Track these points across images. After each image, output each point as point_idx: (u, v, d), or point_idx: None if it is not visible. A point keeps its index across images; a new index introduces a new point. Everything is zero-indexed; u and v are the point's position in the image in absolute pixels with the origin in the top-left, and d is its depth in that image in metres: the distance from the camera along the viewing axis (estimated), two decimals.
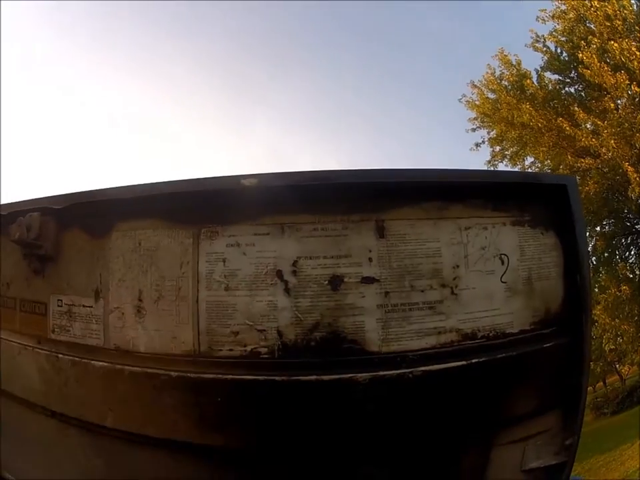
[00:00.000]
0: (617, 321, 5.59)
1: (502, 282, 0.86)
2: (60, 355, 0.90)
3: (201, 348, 0.79)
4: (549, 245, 0.91)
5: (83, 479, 0.94)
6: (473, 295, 0.83)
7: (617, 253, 7.01)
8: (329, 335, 0.77)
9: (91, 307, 0.88)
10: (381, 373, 0.76)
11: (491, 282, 0.85)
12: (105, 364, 0.84)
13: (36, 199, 0.96)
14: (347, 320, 0.77)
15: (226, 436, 0.77)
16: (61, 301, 0.92)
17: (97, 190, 0.89)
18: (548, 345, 0.88)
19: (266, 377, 0.75)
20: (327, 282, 0.78)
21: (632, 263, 7.09)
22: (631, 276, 6.67)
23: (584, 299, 0.91)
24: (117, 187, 0.88)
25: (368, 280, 0.78)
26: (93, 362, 0.86)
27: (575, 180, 0.96)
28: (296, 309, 0.77)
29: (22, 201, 0.98)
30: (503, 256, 0.86)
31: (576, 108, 6.18)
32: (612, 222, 6.74)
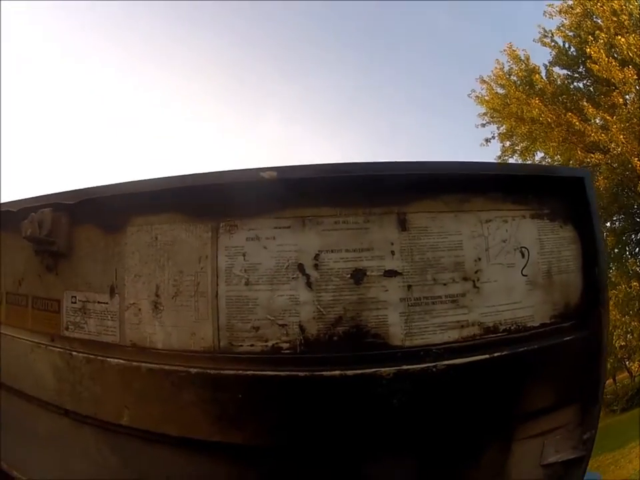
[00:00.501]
0: (627, 317, 5.61)
1: (523, 275, 0.85)
2: (74, 353, 0.88)
3: (220, 344, 0.78)
4: (568, 238, 0.90)
5: (97, 478, 0.93)
6: (495, 288, 0.82)
7: (627, 249, 7.04)
8: (351, 329, 0.76)
9: (106, 303, 0.86)
10: (405, 367, 0.75)
11: (512, 275, 0.84)
12: (121, 361, 0.83)
13: (47, 195, 0.95)
14: (370, 314, 0.76)
15: (247, 433, 0.76)
16: (75, 297, 0.90)
17: (110, 185, 0.87)
18: (568, 338, 0.88)
19: (288, 373, 0.74)
20: (349, 275, 0.77)
21: None
22: None
23: (602, 292, 0.91)
24: (131, 181, 0.86)
25: (390, 273, 0.77)
26: (108, 359, 0.84)
27: (591, 172, 0.96)
28: (318, 303, 0.76)
29: (33, 197, 0.97)
30: (523, 249, 0.85)
31: (585, 103, 6.19)
32: (622, 218, 6.76)
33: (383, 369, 0.74)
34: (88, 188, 0.90)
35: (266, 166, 0.79)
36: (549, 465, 0.92)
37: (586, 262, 0.91)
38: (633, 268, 6.48)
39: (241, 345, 0.77)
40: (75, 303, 0.90)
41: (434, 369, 0.76)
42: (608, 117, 5.78)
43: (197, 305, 0.79)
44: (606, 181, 5.98)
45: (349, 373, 0.73)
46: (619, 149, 5.63)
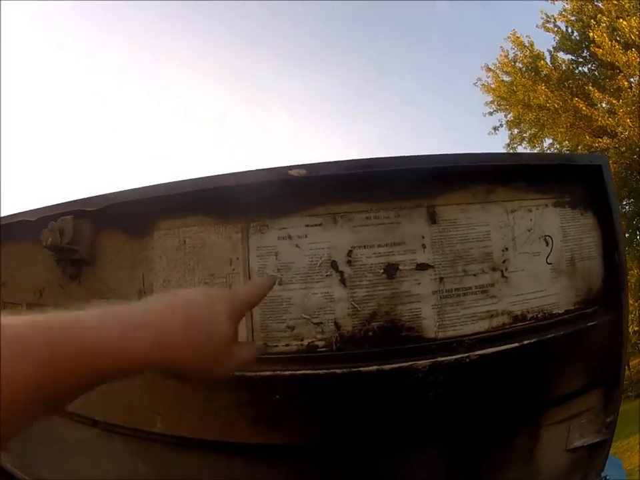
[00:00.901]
0: (639, 302, 5.72)
1: (547, 263, 0.87)
2: None
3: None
4: (589, 225, 0.92)
5: None
6: (522, 277, 0.84)
7: (638, 233, 7.15)
8: (386, 323, 0.77)
9: None
10: (439, 359, 0.75)
11: (537, 263, 0.86)
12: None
13: (67, 202, 0.93)
14: (404, 308, 0.77)
15: (285, 434, 0.76)
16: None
17: (133, 189, 0.86)
18: (591, 323, 0.90)
19: (325, 371, 0.74)
20: (382, 270, 0.77)
21: None
22: None
23: (622, 277, 0.93)
24: (155, 185, 0.85)
25: (422, 266, 0.78)
26: None
27: (606, 158, 0.98)
28: (352, 299, 0.76)
29: (51, 205, 0.94)
30: (547, 237, 0.87)
31: (590, 87, 6.29)
32: (631, 202, 6.88)
33: (418, 362, 0.74)
34: (110, 193, 0.88)
35: (291, 164, 0.79)
36: (575, 449, 0.94)
37: (606, 248, 0.93)
38: None
39: (276, 345, 0.77)
40: None
41: (467, 360, 0.77)
42: (614, 101, 5.89)
43: None
44: (615, 165, 6.08)
45: (386, 367, 0.74)
46: (626, 133, 5.74)
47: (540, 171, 0.89)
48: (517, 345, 0.80)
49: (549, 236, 0.88)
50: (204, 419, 0.79)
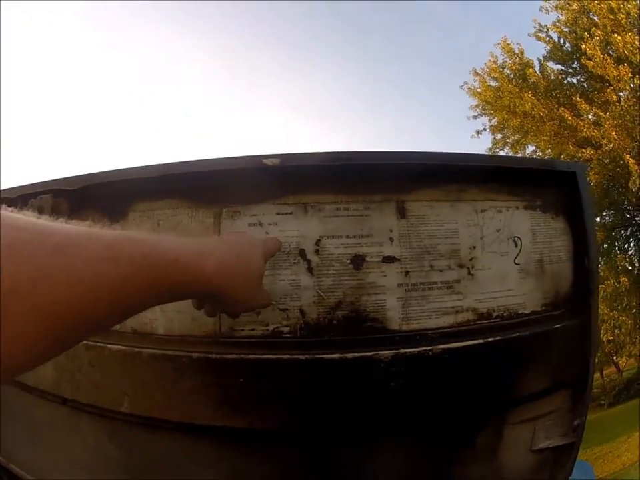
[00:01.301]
0: (615, 312, 5.74)
1: (515, 264, 0.88)
2: None
3: (222, 328, 0.79)
4: (559, 230, 0.94)
5: (96, 466, 0.93)
6: (489, 275, 0.85)
7: (617, 244, 7.21)
8: (351, 313, 0.78)
9: None
10: (402, 350, 0.77)
11: (505, 263, 0.87)
12: (122, 347, 0.83)
13: (47, 181, 0.94)
14: (369, 298, 0.78)
15: (249, 417, 0.77)
16: None
17: (112, 170, 0.88)
18: (558, 325, 0.91)
19: (289, 356, 0.75)
20: (349, 261, 0.79)
21: (631, 255, 7.25)
22: (630, 268, 6.85)
23: (592, 282, 0.94)
24: (133, 167, 0.87)
25: (389, 259, 0.80)
26: (108, 346, 0.84)
27: (585, 167, 0.99)
28: (318, 287, 0.78)
29: (32, 184, 0.96)
30: (516, 238, 0.89)
31: (578, 98, 6.32)
32: (612, 213, 6.93)
33: (381, 352, 0.76)
34: (89, 174, 0.90)
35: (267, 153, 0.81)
36: (540, 450, 0.95)
37: (577, 253, 0.94)
38: (622, 263, 6.63)
39: (242, 330, 0.78)
40: None
41: (430, 353, 0.78)
42: (601, 113, 5.93)
43: None
44: (597, 176, 6.11)
45: (349, 355, 0.75)
46: (611, 145, 5.78)
47: (513, 173, 0.91)
48: (481, 341, 0.82)
49: (518, 237, 0.89)
50: (170, 400, 0.80)
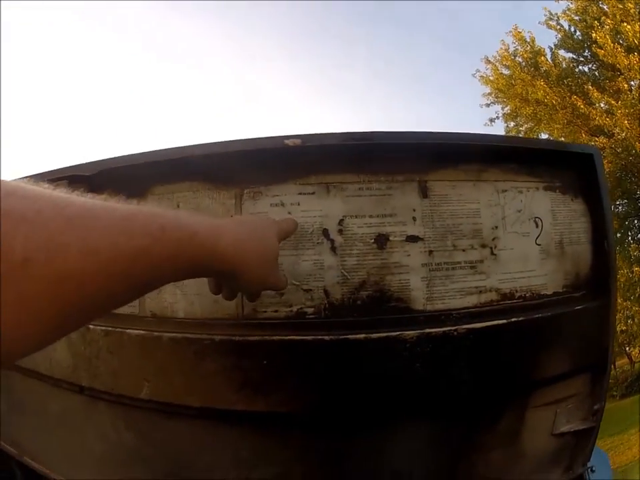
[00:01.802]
0: (628, 302, 5.75)
1: (537, 244, 0.88)
2: (91, 326, 0.87)
3: (244, 310, 0.78)
4: (578, 211, 0.94)
5: (113, 457, 0.91)
6: (511, 255, 0.85)
7: (630, 234, 7.21)
8: (375, 293, 0.77)
9: None
10: (427, 330, 0.76)
11: (526, 244, 0.87)
12: (141, 332, 0.82)
13: (63, 168, 0.93)
14: (393, 278, 0.78)
15: (271, 401, 0.76)
16: None
17: (129, 155, 0.87)
18: (579, 307, 0.91)
19: (313, 337, 0.74)
20: (372, 240, 0.78)
21: None
22: None
23: (611, 264, 0.94)
24: (151, 151, 0.86)
25: (412, 238, 0.79)
26: (127, 331, 0.83)
27: (599, 151, 0.99)
28: (342, 267, 0.77)
29: (47, 171, 0.95)
30: (537, 219, 0.88)
31: (590, 87, 6.33)
32: (625, 202, 6.92)
33: (406, 332, 0.75)
34: (106, 159, 0.89)
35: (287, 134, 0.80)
36: (561, 434, 0.94)
37: (595, 235, 0.94)
38: (635, 253, 6.64)
39: (265, 311, 0.77)
40: None
41: (455, 333, 0.77)
42: (613, 102, 5.95)
43: None
44: (610, 164, 6.12)
45: (374, 336, 0.74)
46: (624, 134, 5.80)
47: (532, 154, 0.91)
48: (504, 321, 0.81)
49: (539, 218, 0.89)
50: (190, 385, 0.78)
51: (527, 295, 0.85)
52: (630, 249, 6.68)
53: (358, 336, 0.74)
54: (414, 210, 0.80)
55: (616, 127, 5.83)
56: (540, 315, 0.85)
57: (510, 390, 0.85)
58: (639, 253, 6.67)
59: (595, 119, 6.03)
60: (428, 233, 0.80)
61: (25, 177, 1.00)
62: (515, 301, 0.84)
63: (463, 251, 0.81)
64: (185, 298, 0.80)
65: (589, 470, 1.08)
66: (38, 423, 1.03)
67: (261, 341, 0.75)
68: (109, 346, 0.85)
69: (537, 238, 0.88)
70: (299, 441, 0.78)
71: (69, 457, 0.99)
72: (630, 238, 7.06)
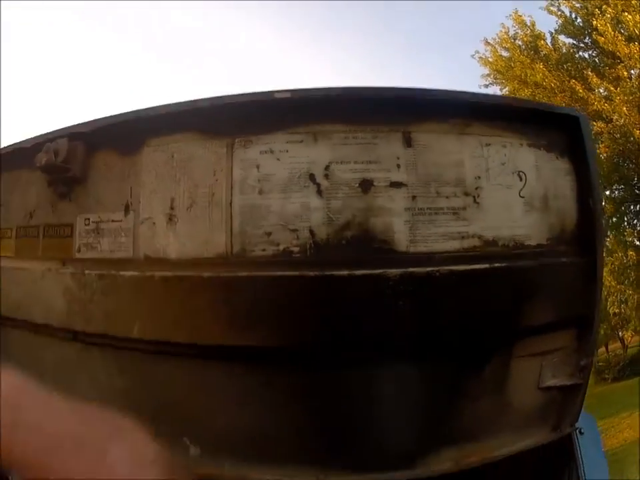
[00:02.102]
0: (622, 285, 5.68)
1: (520, 197, 0.90)
2: (86, 272, 0.90)
3: (233, 249, 0.80)
4: (564, 170, 0.96)
5: (105, 402, 0.93)
6: (494, 205, 0.87)
7: (626, 218, 7.13)
8: (359, 234, 0.80)
9: (120, 220, 0.89)
10: (410, 269, 0.78)
11: (510, 195, 0.89)
12: (134, 273, 0.85)
13: (62, 128, 0.98)
14: (377, 220, 0.80)
15: (259, 335, 0.78)
16: (89, 219, 0.93)
17: (126, 112, 0.92)
18: (564, 260, 0.92)
19: (298, 273, 0.77)
20: (357, 185, 0.81)
21: None
22: (638, 244, 6.76)
23: (596, 222, 0.96)
24: (146, 107, 0.90)
25: (396, 184, 0.82)
26: (121, 273, 0.86)
27: (586, 116, 1.02)
28: (328, 209, 0.80)
29: (47, 132, 1.00)
30: (521, 173, 0.90)
31: (589, 72, 6.32)
32: (622, 188, 6.86)
33: (389, 270, 0.77)
34: (104, 117, 0.93)
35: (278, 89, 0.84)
36: (547, 388, 0.95)
37: (581, 193, 0.96)
38: (630, 238, 6.58)
39: (253, 250, 0.80)
40: (88, 224, 0.93)
41: (437, 273, 0.79)
42: (612, 88, 5.94)
43: (211, 214, 0.82)
44: (607, 150, 6.08)
45: (357, 273, 0.77)
46: (622, 120, 5.78)
47: (517, 112, 0.94)
48: (487, 266, 0.83)
49: (523, 172, 0.91)
50: (180, 321, 0.81)
51: (510, 245, 0.87)
52: (625, 233, 6.62)
53: (342, 272, 0.77)
54: (398, 158, 0.83)
55: (614, 113, 5.82)
56: (523, 264, 0.87)
57: (494, 335, 0.86)
58: (634, 238, 6.64)
59: (594, 103, 6.00)
60: (411, 180, 0.82)
61: (23, 140, 1.05)
62: (497, 248, 0.86)
63: (446, 197, 0.84)
64: (177, 240, 0.84)
65: (578, 432, 1.08)
66: (29, 375, 1.05)
67: (249, 277, 0.78)
68: (102, 289, 0.88)
69: (520, 190, 0.90)
70: (287, 376, 0.80)
71: None
72: (625, 223, 7.01)
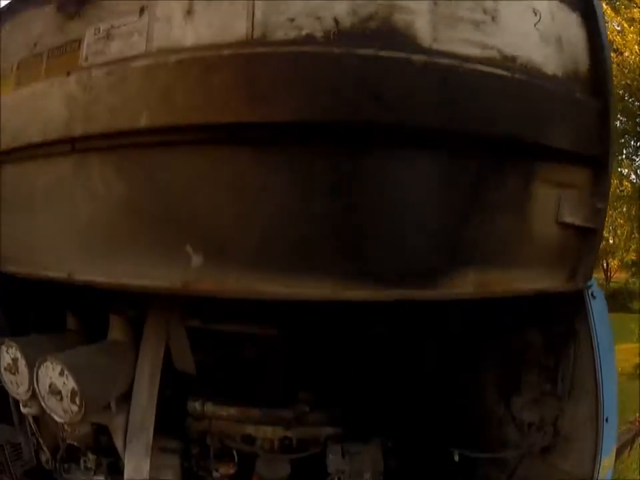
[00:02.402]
0: (614, 213, 5.78)
1: (536, 28, 0.91)
2: (93, 74, 0.85)
3: (254, 34, 0.77)
4: (576, 22, 0.98)
5: (102, 214, 0.86)
6: (512, 27, 0.88)
7: (625, 152, 7.28)
8: (382, 27, 0.78)
9: (134, 21, 0.85)
10: (434, 59, 0.78)
11: (526, 24, 0.90)
12: (146, 62, 0.80)
13: None
14: (399, 17, 0.79)
15: (280, 109, 0.75)
16: (99, 28, 0.89)
17: None
18: (579, 96, 0.93)
19: (322, 49, 0.76)
20: None
21: (638, 166, 7.41)
22: (633, 178, 7.07)
23: (607, 71, 0.98)
24: None
25: None
26: (131, 65, 0.82)
27: None
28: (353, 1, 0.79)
29: None
30: (535, 10, 0.92)
31: (605, 5, 6.53)
32: (624, 120, 7.00)
33: (414, 56, 0.77)
34: None
35: None
36: (565, 226, 0.93)
37: (592, 43, 0.98)
38: (627, 170, 6.76)
39: (275, 34, 0.77)
40: (98, 33, 0.89)
41: (460, 70, 0.79)
42: (625, 25, 6.14)
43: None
44: (615, 79, 6.25)
45: (382, 53, 0.75)
46: (633, 58, 5.98)
47: None
48: (508, 74, 0.83)
49: (538, 10, 0.93)
50: (194, 102, 0.77)
51: (528, 66, 0.88)
52: (623, 164, 6.82)
53: (367, 51, 0.75)
54: None
55: (626, 48, 6.06)
56: (541, 82, 0.87)
57: (514, 142, 0.84)
58: (631, 172, 6.97)
59: (608, 33, 6.20)
60: None
61: None
62: (516, 65, 0.86)
63: (467, 9, 0.84)
64: (194, 29, 0.80)
65: (591, 294, 1.05)
66: (26, 216, 0.97)
67: (270, 53, 0.75)
68: (109, 85, 0.83)
69: (535, 24, 0.92)
70: (304, 163, 0.76)
71: (55, 242, 0.93)
72: (624, 156, 7.21)
